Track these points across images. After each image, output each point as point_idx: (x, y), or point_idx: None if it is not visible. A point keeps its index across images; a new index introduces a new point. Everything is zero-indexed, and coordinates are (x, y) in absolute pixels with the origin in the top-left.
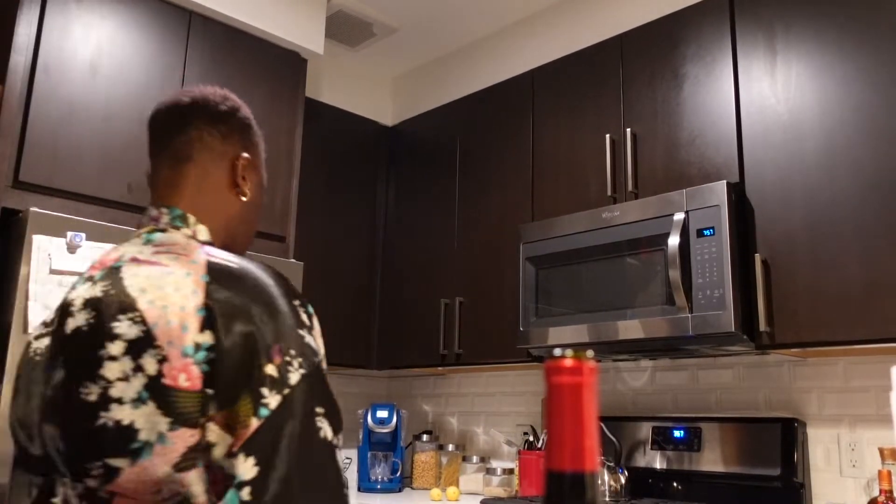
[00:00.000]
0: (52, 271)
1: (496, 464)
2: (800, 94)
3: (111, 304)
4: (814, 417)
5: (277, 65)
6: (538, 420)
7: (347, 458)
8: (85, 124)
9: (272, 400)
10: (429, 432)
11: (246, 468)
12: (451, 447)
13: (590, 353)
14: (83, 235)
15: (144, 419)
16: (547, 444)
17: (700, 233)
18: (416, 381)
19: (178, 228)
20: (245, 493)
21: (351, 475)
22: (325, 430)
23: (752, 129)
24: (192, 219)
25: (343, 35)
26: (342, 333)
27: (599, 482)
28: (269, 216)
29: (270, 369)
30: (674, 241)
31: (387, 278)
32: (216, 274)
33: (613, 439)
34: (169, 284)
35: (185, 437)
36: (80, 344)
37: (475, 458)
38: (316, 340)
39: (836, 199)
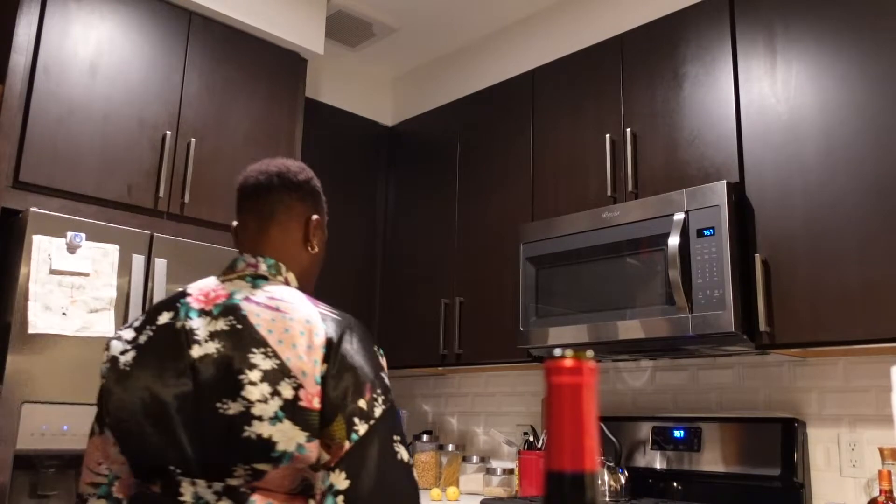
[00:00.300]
0: (52, 271)
1: (496, 464)
2: (800, 94)
3: (243, 338)
4: (814, 417)
5: (277, 65)
6: (538, 420)
7: None
8: (85, 124)
9: (361, 428)
10: (429, 432)
11: (339, 479)
12: (451, 447)
13: (590, 353)
14: (83, 235)
15: (281, 434)
16: (547, 444)
17: (700, 233)
18: (417, 381)
19: (273, 276)
20: (340, 500)
21: None
22: (402, 453)
23: (752, 129)
24: (283, 267)
25: (343, 35)
26: None
27: (599, 482)
28: None
29: (362, 403)
30: (674, 241)
31: (387, 278)
32: (328, 322)
33: (613, 439)
34: (293, 328)
35: (315, 447)
36: (215, 368)
37: (475, 458)
38: (387, 379)
39: (836, 199)
